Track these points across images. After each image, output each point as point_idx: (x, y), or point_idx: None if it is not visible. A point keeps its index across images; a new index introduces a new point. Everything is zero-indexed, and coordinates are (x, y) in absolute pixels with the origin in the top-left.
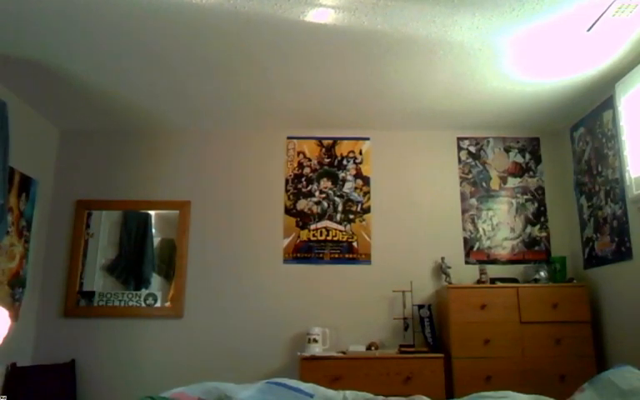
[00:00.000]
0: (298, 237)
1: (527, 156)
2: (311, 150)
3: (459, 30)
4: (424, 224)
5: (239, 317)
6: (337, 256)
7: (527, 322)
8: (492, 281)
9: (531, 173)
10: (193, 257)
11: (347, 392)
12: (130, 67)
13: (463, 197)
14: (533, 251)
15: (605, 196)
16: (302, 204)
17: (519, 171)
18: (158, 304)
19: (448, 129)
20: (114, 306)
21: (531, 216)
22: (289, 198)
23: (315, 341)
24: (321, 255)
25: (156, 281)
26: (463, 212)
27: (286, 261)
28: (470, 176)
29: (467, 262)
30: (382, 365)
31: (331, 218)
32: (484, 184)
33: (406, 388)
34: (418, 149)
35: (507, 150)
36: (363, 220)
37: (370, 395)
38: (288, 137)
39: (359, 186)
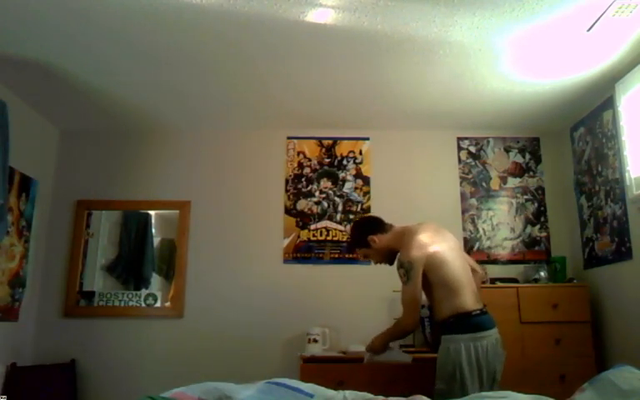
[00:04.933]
0: (298, 237)
1: (527, 156)
2: (311, 150)
3: (459, 30)
4: None
5: (239, 318)
6: (337, 256)
7: (527, 322)
8: (492, 281)
9: (531, 173)
10: (193, 257)
11: (347, 392)
12: (130, 68)
13: (463, 197)
14: (533, 251)
15: (605, 196)
16: (302, 204)
17: (519, 171)
18: (158, 304)
19: (448, 129)
20: (114, 306)
21: (531, 216)
22: (289, 198)
23: (315, 341)
24: (321, 255)
25: (156, 281)
26: (463, 212)
27: (286, 261)
28: (470, 176)
29: None
30: (382, 365)
31: (331, 218)
32: (484, 184)
33: (406, 388)
34: (418, 149)
35: (507, 150)
36: None
37: (370, 395)
38: (288, 137)
39: (359, 186)
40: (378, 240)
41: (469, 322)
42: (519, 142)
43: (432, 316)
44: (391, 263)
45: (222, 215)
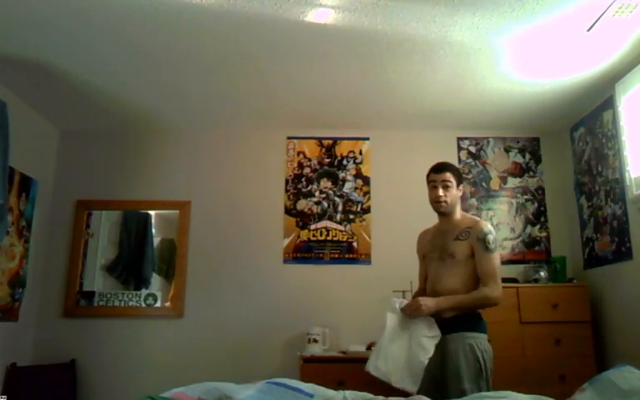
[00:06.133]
0: (298, 237)
1: (527, 156)
2: (311, 150)
3: (459, 30)
4: (424, 224)
5: (239, 318)
6: (337, 256)
7: (527, 322)
8: None
9: (531, 173)
10: (193, 257)
11: (347, 392)
12: (130, 68)
13: (463, 197)
14: (533, 251)
15: (605, 196)
16: (302, 204)
17: (519, 171)
18: (158, 304)
19: (448, 129)
20: (114, 306)
21: (531, 216)
22: (289, 198)
23: (315, 341)
24: (321, 255)
25: (156, 281)
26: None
27: (286, 261)
28: (470, 176)
29: None
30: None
31: (331, 218)
32: (484, 184)
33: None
34: (418, 149)
35: (507, 150)
36: (363, 220)
37: (370, 395)
38: (288, 137)
39: (359, 186)
40: (461, 191)
41: (485, 323)
42: (519, 142)
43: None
44: (440, 210)
45: (222, 215)
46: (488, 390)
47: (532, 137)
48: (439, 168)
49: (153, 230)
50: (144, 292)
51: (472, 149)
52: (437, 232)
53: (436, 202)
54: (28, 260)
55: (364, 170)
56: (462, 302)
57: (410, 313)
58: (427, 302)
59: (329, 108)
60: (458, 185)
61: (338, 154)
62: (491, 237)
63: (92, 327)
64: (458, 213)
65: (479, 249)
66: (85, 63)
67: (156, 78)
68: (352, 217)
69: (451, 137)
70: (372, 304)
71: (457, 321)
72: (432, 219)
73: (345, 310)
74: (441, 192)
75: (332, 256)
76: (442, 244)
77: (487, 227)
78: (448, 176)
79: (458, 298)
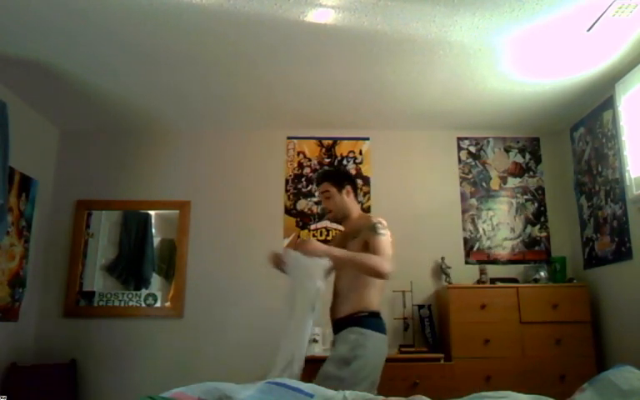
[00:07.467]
0: (298, 237)
1: (527, 156)
2: (311, 150)
3: (459, 30)
4: (424, 224)
5: (239, 318)
6: None
7: (527, 322)
8: (492, 281)
9: (531, 173)
10: (193, 257)
11: (347, 392)
12: (130, 68)
13: (463, 197)
14: (533, 251)
15: (605, 196)
16: (302, 204)
17: (519, 171)
18: (158, 304)
19: (448, 129)
20: (114, 306)
21: (531, 216)
22: (289, 198)
23: (315, 341)
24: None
25: (156, 281)
26: (463, 212)
27: None
28: (470, 176)
29: (467, 262)
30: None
31: None
32: (484, 184)
33: (409, 390)
34: (418, 149)
35: (507, 150)
36: None
37: (370, 395)
38: (288, 137)
39: (359, 186)
40: (349, 196)
41: (382, 324)
42: (519, 142)
43: (346, 299)
44: (333, 220)
45: (222, 215)
46: (354, 382)
47: (532, 137)
48: (317, 182)
49: (153, 230)
50: (144, 292)
51: (472, 149)
52: (341, 235)
53: (326, 214)
54: (28, 260)
55: (364, 170)
56: (352, 258)
57: (302, 250)
58: (318, 244)
59: (329, 108)
60: (341, 189)
61: (338, 154)
62: (379, 225)
63: (92, 327)
64: (355, 214)
65: (371, 237)
66: (85, 63)
67: (156, 79)
68: None
69: (451, 137)
70: None
71: (353, 319)
72: (431, 218)
73: None
74: (324, 204)
75: None
76: (342, 246)
77: (377, 219)
78: (325, 186)
79: (350, 253)
